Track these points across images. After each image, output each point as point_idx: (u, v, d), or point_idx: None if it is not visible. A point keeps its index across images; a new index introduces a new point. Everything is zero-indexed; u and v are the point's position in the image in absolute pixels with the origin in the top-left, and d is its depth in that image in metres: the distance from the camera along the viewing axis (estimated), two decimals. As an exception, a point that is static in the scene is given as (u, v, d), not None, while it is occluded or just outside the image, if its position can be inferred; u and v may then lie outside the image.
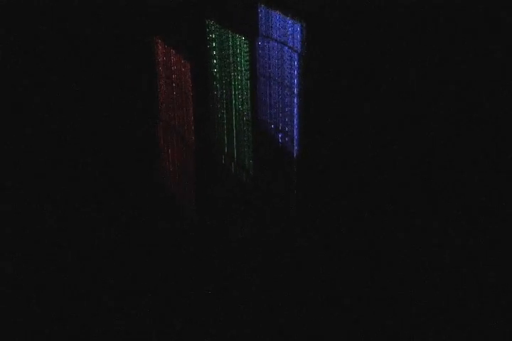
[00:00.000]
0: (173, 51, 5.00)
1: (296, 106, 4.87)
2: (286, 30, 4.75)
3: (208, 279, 5.03)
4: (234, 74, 4.98)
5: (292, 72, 4.77)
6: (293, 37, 4.72)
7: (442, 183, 4.80)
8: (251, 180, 5.13)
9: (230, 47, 4.94)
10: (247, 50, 4.90)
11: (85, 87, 4.93)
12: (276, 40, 4.80)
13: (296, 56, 4.69)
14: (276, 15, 4.78)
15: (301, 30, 4.66)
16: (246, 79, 4.94)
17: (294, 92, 4.83)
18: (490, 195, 4.71)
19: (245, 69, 4.94)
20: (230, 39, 4.93)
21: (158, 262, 5.03)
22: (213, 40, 4.99)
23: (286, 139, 4.97)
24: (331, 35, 4.75)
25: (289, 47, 4.71)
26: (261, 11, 4.84)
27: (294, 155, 4.97)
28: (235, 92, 5.01)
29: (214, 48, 5.01)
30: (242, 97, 5.00)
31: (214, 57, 5.03)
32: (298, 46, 4.69)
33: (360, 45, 4.71)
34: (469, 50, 4.62)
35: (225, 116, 5.11)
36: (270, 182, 5.14)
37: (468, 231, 4.75)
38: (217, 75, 5.07)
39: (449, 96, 4.73)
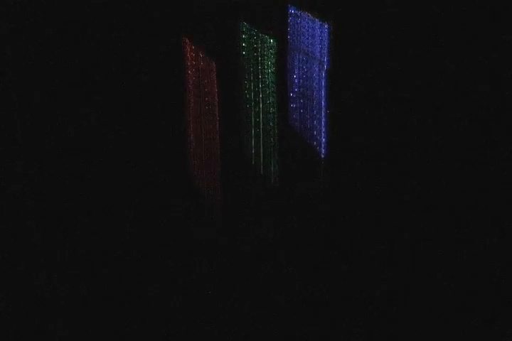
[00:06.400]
0: (200, 50, 4.95)
1: (323, 109, 4.83)
2: (315, 33, 4.69)
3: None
4: (261, 77, 4.93)
5: (319, 76, 4.72)
6: (321, 40, 4.66)
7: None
8: (277, 182, 5.12)
9: (258, 48, 4.89)
10: (275, 51, 4.83)
11: (112, 86, 4.86)
12: (304, 45, 4.76)
13: (324, 62, 4.63)
14: (306, 16, 4.70)
15: (329, 32, 4.61)
16: (272, 82, 4.89)
17: (321, 95, 4.79)
18: None
19: (272, 72, 4.88)
20: (259, 40, 4.87)
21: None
22: (243, 40, 4.92)
23: (314, 142, 4.95)
24: (360, 39, 4.68)
25: (314, 57, 4.66)
26: (291, 12, 4.77)
27: (322, 157, 4.96)
28: (263, 95, 4.97)
29: (243, 49, 4.95)
30: (268, 100, 4.96)
31: (242, 57, 4.97)
32: (325, 51, 4.64)
33: (395, 51, 4.63)
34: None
35: (252, 117, 5.08)
36: (297, 184, 5.13)
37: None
38: (244, 76, 5.02)
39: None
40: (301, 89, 4.88)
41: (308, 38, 4.70)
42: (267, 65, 4.88)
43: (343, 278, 4.98)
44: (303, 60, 4.80)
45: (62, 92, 4.77)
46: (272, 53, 4.87)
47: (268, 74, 4.91)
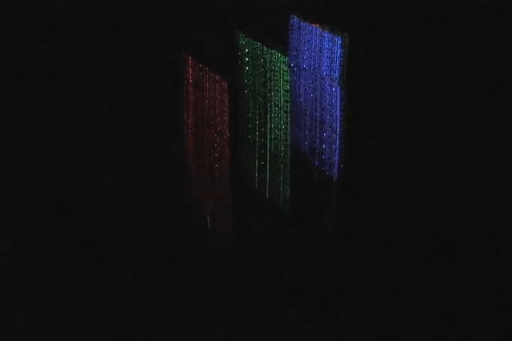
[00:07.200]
0: (206, 68, 4.60)
1: (338, 132, 4.42)
2: (323, 46, 4.27)
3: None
4: (270, 95, 4.54)
5: (331, 95, 4.32)
6: (331, 55, 4.25)
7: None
8: (287, 207, 4.76)
9: (266, 65, 4.51)
10: (286, 69, 4.43)
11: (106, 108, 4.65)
12: (310, 60, 4.36)
13: (336, 82, 4.21)
14: (312, 28, 4.29)
15: (342, 46, 4.20)
16: (284, 101, 4.49)
17: (335, 118, 4.38)
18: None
19: (284, 90, 4.48)
20: (267, 56, 4.48)
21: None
22: (246, 55, 4.55)
23: (325, 166, 4.56)
24: (376, 53, 4.30)
25: (322, 73, 4.25)
26: (293, 23, 4.36)
27: (334, 181, 4.57)
28: (270, 115, 4.58)
29: (247, 64, 4.57)
30: (279, 121, 4.56)
31: (247, 74, 4.60)
32: (337, 67, 4.22)
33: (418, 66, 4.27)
34: None
35: (258, 139, 4.71)
36: (308, 209, 4.76)
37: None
38: (251, 96, 4.64)
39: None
40: (308, 110, 4.49)
41: (315, 53, 4.30)
42: (276, 82, 4.49)
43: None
44: (308, 77, 4.40)
45: (56, 112, 4.60)
46: (283, 70, 4.49)
47: (278, 93, 4.52)
